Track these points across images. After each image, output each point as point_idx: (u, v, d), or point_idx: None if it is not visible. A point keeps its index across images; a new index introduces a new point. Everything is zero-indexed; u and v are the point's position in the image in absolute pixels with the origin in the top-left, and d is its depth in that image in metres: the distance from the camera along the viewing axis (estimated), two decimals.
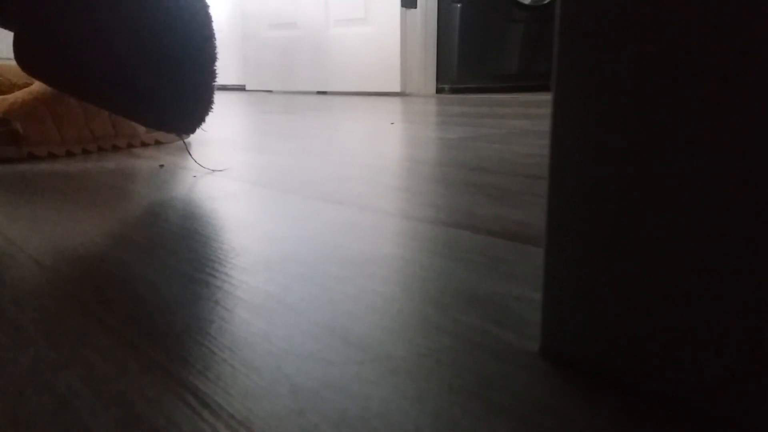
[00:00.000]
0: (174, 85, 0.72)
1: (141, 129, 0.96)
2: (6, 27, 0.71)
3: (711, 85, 0.18)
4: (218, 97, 2.71)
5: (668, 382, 0.21)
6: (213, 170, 0.72)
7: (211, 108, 0.78)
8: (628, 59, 0.20)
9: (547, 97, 2.37)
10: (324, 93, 2.99)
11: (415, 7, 2.62)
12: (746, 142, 0.18)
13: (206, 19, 0.74)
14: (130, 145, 0.96)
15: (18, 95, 0.84)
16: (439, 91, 2.74)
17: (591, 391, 0.22)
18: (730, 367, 0.19)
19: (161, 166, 0.77)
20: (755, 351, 0.19)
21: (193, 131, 0.81)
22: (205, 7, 0.74)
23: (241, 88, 3.59)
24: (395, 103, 2.06)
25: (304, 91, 3.12)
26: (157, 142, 1.00)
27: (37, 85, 0.86)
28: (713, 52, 0.18)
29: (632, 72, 0.20)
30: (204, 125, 1.30)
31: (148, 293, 0.32)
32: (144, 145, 0.98)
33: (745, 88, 0.17)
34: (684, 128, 0.19)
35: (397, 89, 2.67)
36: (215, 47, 0.76)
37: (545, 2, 2.89)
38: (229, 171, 0.71)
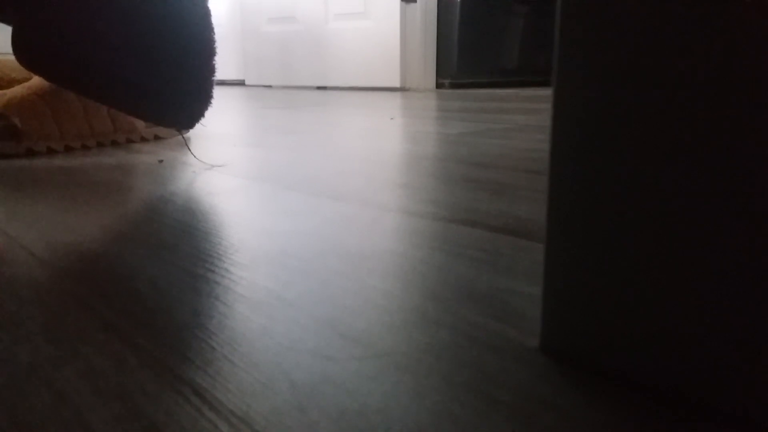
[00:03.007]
0: (173, 79, 0.72)
1: (140, 124, 0.96)
2: (4, 21, 0.71)
3: (713, 80, 0.18)
4: (217, 91, 2.70)
5: (668, 378, 0.21)
6: (212, 165, 0.72)
7: (211, 103, 0.78)
8: (629, 54, 0.19)
9: (547, 92, 2.37)
10: (323, 88, 2.99)
11: (415, 2, 2.61)
12: (747, 137, 0.18)
13: (205, 13, 0.74)
14: (129, 141, 0.96)
15: (17, 90, 0.84)
16: (439, 86, 2.74)
17: (591, 387, 0.21)
18: (729, 362, 0.19)
19: (160, 161, 0.76)
20: (754, 347, 0.18)
21: (192, 126, 0.80)
22: (204, 0, 0.73)
23: (240, 83, 3.58)
24: (395, 98, 2.05)
25: (304, 86, 3.11)
26: (157, 138, 1.00)
27: (36, 80, 0.86)
28: (715, 47, 0.18)
29: (633, 67, 0.19)
30: (203, 120, 1.30)
31: (147, 289, 0.32)
32: (143, 140, 0.98)
33: (747, 84, 0.17)
34: (685, 123, 0.19)
35: (397, 84, 2.67)
36: (214, 41, 0.76)
37: None
38: (229, 166, 0.71)
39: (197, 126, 1.19)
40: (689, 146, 0.19)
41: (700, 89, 0.18)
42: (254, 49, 3.29)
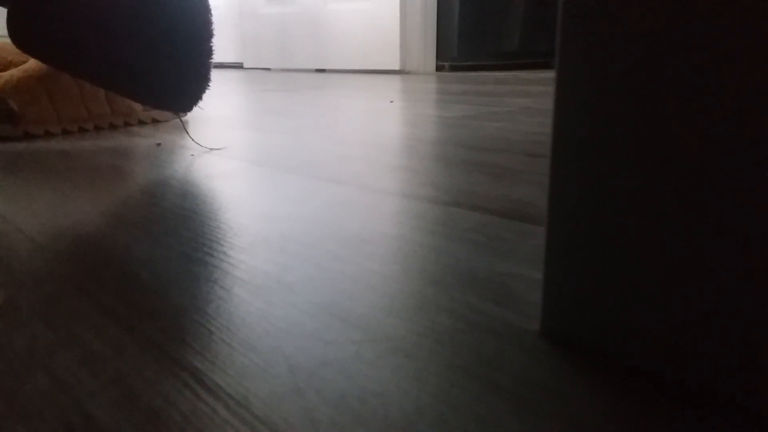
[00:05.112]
0: (170, 62, 0.71)
1: (138, 107, 0.95)
2: (1, 4, 0.70)
3: (716, 64, 0.18)
4: (215, 74, 2.69)
5: (667, 364, 0.20)
6: (210, 149, 0.72)
7: (208, 86, 0.78)
8: (633, 37, 0.19)
9: (548, 75, 2.35)
10: (322, 71, 2.96)
11: None
12: (748, 124, 0.17)
13: None
14: (126, 124, 0.95)
15: (13, 73, 0.83)
16: (438, 68, 2.72)
17: (591, 372, 0.21)
18: (730, 349, 0.19)
19: (158, 144, 0.76)
20: (754, 334, 0.18)
21: (190, 109, 0.80)
22: None
23: (238, 66, 3.55)
24: (394, 81, 2.04)
25: (303, 69, 3.09)
26: (154, 121, 0.99)
27: (33, 63, 0.85)
28: (718, 31, 0.17)
29: (637, 50, 0.19)
30: (201, 103, 1.29)
31: (146, 273, 0.32)
32: (141, 123, 0.97)
33: (746, 74, 0.17)
34: (688, 107, 0.18)
35: (397, 67, 2.65)
36: (212, 24, 0.75)
37: None
38: (227, 149, 0.71)
39: (195, 109, 1.18)
40: (694, 131, 0.18)
41: (707, 71, 0.18)
42: (252, 32, 3.26)
